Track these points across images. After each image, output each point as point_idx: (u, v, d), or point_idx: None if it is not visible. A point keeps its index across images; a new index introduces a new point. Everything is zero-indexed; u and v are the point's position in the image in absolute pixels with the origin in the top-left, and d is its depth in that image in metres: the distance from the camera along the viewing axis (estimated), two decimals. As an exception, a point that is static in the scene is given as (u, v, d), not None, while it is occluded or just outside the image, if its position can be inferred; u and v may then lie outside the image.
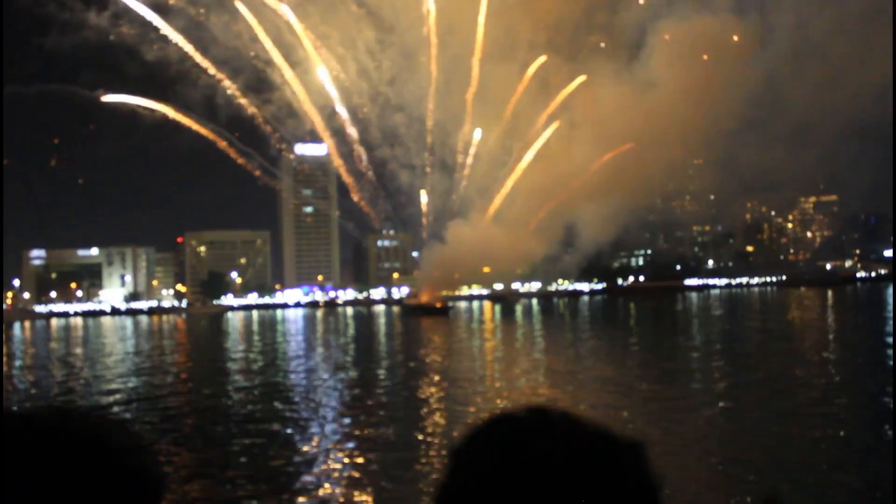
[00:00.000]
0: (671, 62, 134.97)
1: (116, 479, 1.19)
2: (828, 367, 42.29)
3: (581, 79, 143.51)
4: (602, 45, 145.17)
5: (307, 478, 21.50)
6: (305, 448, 25.73)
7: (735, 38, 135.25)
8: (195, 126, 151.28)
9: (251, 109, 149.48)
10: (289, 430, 29.22)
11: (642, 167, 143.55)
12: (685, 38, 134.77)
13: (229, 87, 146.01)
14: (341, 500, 19.12)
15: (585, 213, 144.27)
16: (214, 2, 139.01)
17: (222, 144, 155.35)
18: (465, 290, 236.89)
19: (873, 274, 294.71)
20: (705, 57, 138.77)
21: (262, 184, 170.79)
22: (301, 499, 19.39)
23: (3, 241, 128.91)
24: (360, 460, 23.27)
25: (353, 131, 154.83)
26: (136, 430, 1.29)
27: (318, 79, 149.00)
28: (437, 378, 44.02)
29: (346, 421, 30.94)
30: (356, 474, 21.65)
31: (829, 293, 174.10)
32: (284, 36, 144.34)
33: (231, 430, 29.44)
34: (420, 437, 26.02)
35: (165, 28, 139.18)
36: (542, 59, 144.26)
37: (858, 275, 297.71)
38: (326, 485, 20.61)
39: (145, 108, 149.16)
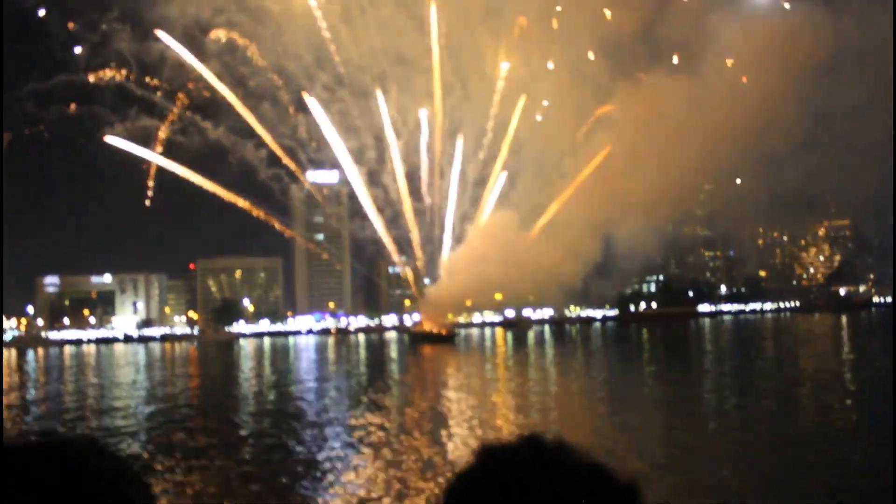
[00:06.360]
0: (720, 74, 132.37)
1: None
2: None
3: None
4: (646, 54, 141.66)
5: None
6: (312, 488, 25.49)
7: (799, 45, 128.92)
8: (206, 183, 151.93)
9: (267, 137, 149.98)
10: (292, 474, 28.96)
11: (683, 181, 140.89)
12: (737, 48, 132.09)
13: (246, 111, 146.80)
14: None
15: (622, 232, 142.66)
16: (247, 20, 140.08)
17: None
18: (476, 317, 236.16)
19: (888, 299, 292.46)
20: (745, 79, 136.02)
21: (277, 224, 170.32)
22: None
23: (3, 266, 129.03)
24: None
25: (373, 155, 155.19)
26: (123, 459, 1.28)
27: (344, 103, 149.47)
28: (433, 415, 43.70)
29: (355, 462, 30.65)
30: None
31: (844, 319, 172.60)
32: (304, 57, 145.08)
33: (235, 467, 29.20)
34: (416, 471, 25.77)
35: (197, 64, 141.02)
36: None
37: (874, 300, 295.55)
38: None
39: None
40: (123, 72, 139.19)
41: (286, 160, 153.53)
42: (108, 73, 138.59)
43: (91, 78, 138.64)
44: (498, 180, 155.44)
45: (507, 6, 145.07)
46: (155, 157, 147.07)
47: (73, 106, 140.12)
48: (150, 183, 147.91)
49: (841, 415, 37.48)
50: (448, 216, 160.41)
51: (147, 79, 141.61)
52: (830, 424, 33.71)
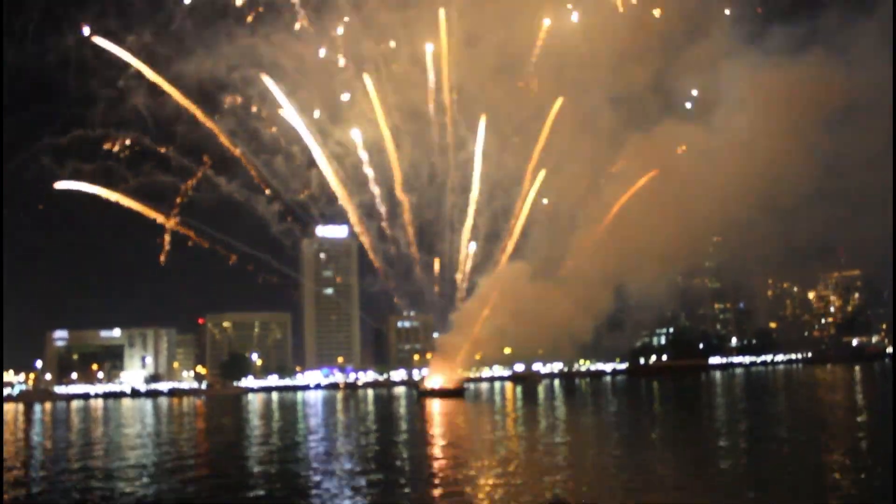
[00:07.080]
0: (736, 124, 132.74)
1: None
2: None
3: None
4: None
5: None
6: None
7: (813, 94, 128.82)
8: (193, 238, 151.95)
9: (269, 192, 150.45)
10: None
11: (697, 227, 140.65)
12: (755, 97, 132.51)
13: (251, 165, 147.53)
14: None
15: (633, 285, 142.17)
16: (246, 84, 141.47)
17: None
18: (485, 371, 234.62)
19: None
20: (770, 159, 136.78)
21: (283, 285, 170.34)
22: None
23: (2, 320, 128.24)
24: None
25: (383, 208, 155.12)
26: None
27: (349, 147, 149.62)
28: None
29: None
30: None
31: (857, 370, 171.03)
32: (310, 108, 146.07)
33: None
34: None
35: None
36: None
37: (887, 350, 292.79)
38: None
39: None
40: (137, 136, 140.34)
41: (295, 217, 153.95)
42: (124, 141, 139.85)
43: (107, 145, 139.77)
44: (536, 180, 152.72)
45: (518, 60, 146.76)
46: (115, 195, 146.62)
47: (87, 165, 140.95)
48: (166, 246, 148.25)
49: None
50: (460, 268, 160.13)
51: (161, 149, 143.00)
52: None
